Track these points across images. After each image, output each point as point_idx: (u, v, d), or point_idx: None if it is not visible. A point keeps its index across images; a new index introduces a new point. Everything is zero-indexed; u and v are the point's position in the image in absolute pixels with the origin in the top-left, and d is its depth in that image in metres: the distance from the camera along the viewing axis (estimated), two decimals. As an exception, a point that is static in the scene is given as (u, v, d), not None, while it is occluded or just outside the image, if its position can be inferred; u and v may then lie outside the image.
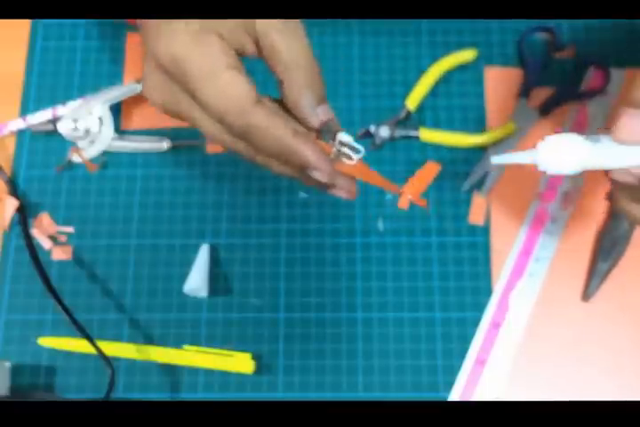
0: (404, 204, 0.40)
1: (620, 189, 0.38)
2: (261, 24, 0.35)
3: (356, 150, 0.37)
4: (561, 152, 0.34)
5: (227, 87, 0.34)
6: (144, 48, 0.37)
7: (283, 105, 0.37)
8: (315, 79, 0.36)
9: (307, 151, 0.35)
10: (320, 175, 0.35)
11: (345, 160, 0.36)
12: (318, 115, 0.36)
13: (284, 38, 0.35)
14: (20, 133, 0.57)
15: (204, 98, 0.34)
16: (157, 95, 0.37)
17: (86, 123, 0.55)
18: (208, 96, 0.34)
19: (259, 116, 0.34)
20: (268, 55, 0.35)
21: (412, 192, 0.40)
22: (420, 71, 0.57)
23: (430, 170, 0.40)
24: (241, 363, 0.50)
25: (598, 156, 0.35)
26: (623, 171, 0.36)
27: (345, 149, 0.36)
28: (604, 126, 0.55)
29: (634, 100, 0.34)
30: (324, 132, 0.36)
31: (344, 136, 0.36)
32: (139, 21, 0.38)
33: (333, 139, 0.36)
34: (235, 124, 0.34)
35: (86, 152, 0.56)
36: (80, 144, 0.56)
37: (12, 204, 0.54)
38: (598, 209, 0.54)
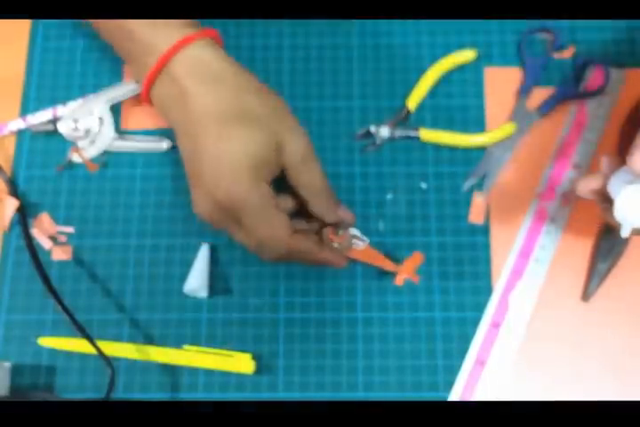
0: (399, 281, 0.50)
1: None
2: (289, 164, 0.47)
3: (363, 240, 0.51)
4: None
5: (274, 223, 0.45)
6: (194, 182, 0.47)
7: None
8: (329, 195, 0.49)
9: (329, 257, 0.48)
10: (336, 266, 0.49)
11: (354, 247, 0.50)
12: (339, 216, 0.49)
13: (306, 174, 0.47)
14: (20, 133, 0.57)
15: (253, 228, 0.45)
16: (209, 217, 0.47)
17: (87, 123, 0.55)
18: (257, 228, 0.45)
19: (293, 243, 0.46)
20: (295, 185, 0.48)
21: (407, 272, 0.50)
22: (420, 71, 0.57)
23: (417, 258, 0.51)
24: (241, 363, 0.51)
25: None
26: None
27: (355, 240, 0.50)
28: (603, 128, 0.55)
29: None
30: (339, 227, 0.50)
31: (353, 230, 0.51)
32: (191, 165, 0.47)
33: (345, 229, 0.50)
34: (274, 249, 0.46)
35: (87, 152, 0.56)
36: (80, 144, 0.56)
37: (12, 204, 0.54)
38: (597, 209, 0.54)
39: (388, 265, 0.51)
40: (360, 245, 0.50)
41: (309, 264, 0.50)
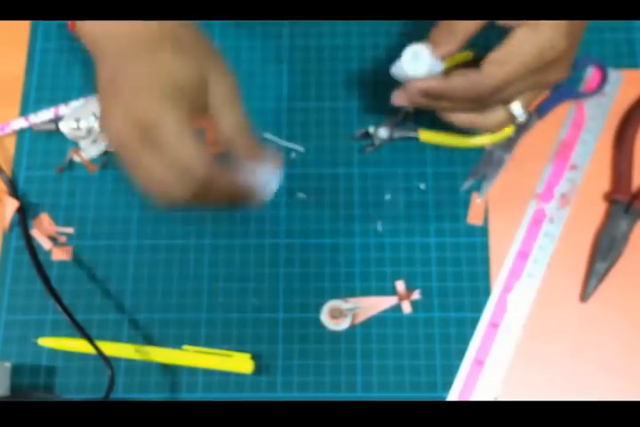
0: (408, 309, 0.52)
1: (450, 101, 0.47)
2: (212, 104, 0.45)
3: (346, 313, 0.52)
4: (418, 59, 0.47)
5: (192, 147, 0.42)
6: (108, 101, 0.44)
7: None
8: (251, 136, 0.46)
9: (248, 191, 0.45)
10: (252, 203, 0.46)
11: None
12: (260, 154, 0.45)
13: (228, 117, 0.45)
14: (21, 134, 0.57)
15: (169, 149, 0.41)
16: (118, 134, 0.43)
17: (88, 122, 0.55)
18: (174, 149, 0.41)
19: (211, 172, 0.42)
20: (216, 128, 0.45)
21: (405, 297, 0.52)
22: (419, 72, 0.57)
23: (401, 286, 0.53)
24: (240, 363, 0.51)
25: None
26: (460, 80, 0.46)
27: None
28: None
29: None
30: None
31: (336, 302, 0.52)
32: (105, 74, 0.45)
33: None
34: (189, 177, 0.42)
35: (88, 152, 0.56)
36: (82, 144, 0.56)
37: (12, 204, 0.55)
38: (596, 210, 0.54)
39: (386, 302, 0.52)
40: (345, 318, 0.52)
41: (221, 204, 0.46)
